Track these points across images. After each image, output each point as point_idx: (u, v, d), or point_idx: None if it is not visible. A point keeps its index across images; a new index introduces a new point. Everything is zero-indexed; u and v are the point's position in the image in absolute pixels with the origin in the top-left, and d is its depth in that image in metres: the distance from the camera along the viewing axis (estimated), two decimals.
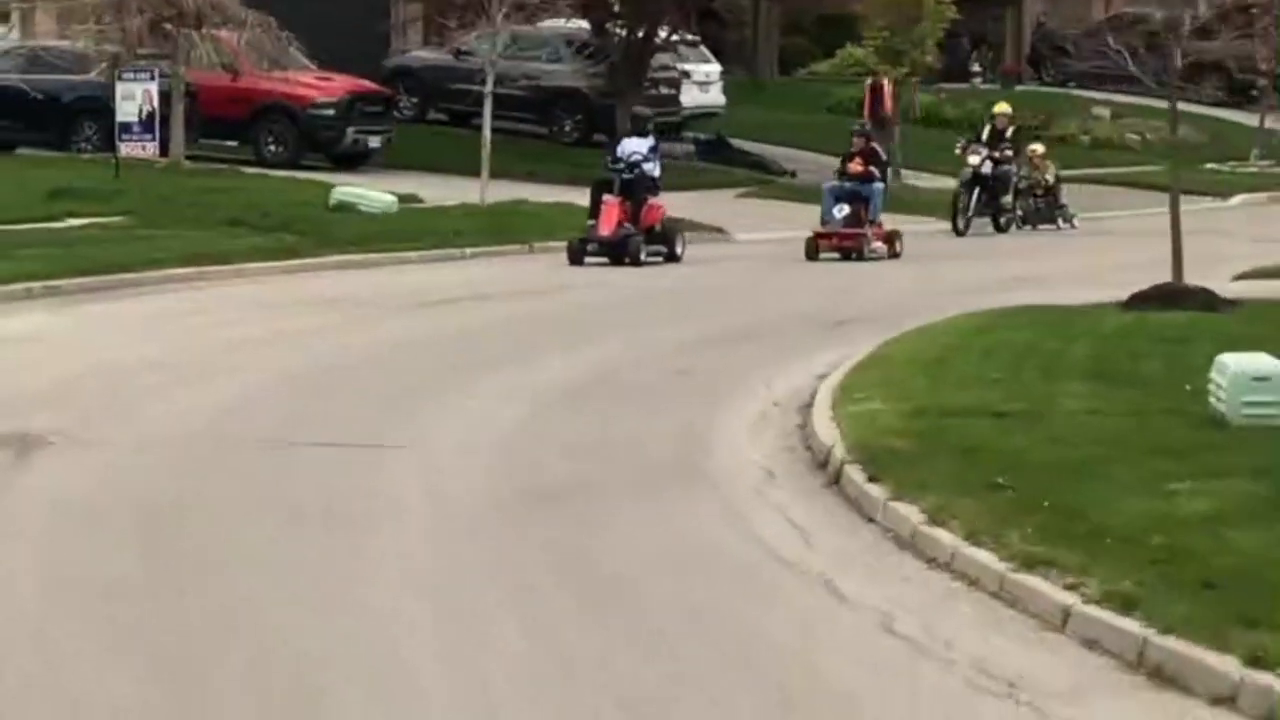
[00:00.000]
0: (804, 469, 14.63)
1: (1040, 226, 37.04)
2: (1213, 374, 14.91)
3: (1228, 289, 23.82)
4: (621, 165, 29.84)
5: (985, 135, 36.20)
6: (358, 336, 21.55)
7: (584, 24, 43.51)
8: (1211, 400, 14.86)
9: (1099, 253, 32.04)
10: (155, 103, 35.82)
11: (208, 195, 33.55)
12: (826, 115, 49.81)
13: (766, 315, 23.56)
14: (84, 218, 31.29)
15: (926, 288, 25.50)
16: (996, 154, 35.48)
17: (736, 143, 45.18)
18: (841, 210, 30.98)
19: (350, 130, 40.69)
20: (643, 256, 29.14)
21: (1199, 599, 10.17)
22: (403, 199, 34.69)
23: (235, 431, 15.54)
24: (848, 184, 31.51)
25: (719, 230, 34.70)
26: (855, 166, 31.60)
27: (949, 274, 28.51)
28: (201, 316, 23.14)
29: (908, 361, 18.13)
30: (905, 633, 10.46)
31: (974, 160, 35.04)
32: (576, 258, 29.12)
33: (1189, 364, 16.71)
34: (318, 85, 40.95)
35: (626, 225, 29.23)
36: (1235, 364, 14.66)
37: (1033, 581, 10.92)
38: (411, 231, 31.71)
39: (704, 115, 46.73)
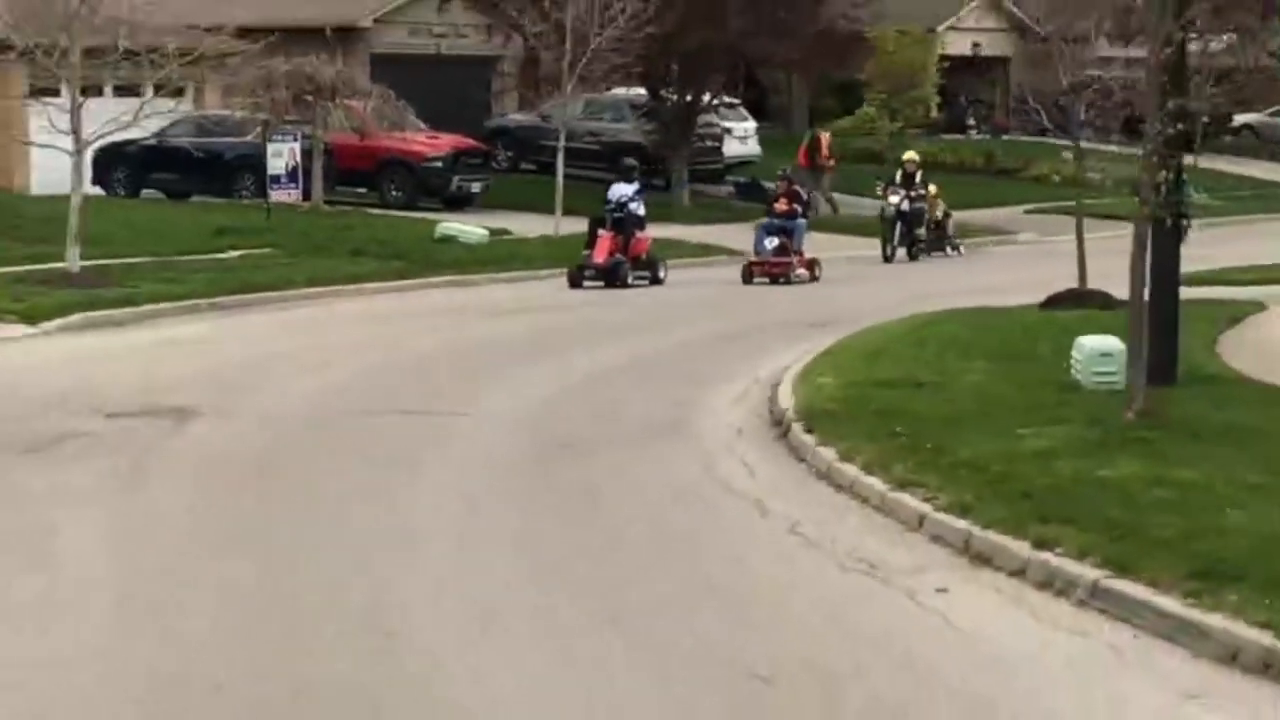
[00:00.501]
0: (765, 428, 15.98)
1: (934, 254, 36.65)
2: (1073, 352, 16.37)
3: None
4: (612, 205, 30.02)
5: (899, 178, 35.91)
6: (443, 337, 23.05)
7: (643, 91, 44.95)
8: (1072, 372, 16.32)
9: (1015, 270, 32.39)
10: (298, 158, 37.33)
11: (339, 231, 35.11)
12: (845, 163, 51.02)
13: (756, 321, 24.67)
14: (241, 250, 32.74)
15: (878, 300, 26.19)
16: (911, 194, 35.48)
17: (768, 184, 46.47)
18: (772, 242, 31.12)
19: (456, 179, 42.21)
20: (630, 280, 29.48)
21: (1014, 505, 11.66)
22: (494, 232, 36.23)
23: (336, 405, 17.14)
24: (776, 221, 31.56)
25: (741, 254, 36.11)
26: (781, 206, 31.82)
27: (890, 289, 29.37)
28: (325, 324, 24.72)
29: (857, 350, 19.49)
30: (805, 533, 11.99)
31: (894, 199, 35.22)
32: (575, 282, 29.44)
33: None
34: (429, 143, 42.54)
35: (617, 255, 29.54)
36: (1089, 343, 16.12)
37: (903, 498, 12.43)
38: (499, 258, 33.21)
39: (742, 163, 48.14)
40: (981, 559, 11.11)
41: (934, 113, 56.35)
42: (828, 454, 13.99)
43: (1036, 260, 36.26)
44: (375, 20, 48.66)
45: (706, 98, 44.12)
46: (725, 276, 31.67)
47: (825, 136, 44.43)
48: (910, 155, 37.64)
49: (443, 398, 17.59)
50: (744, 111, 49.08)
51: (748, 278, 30.55)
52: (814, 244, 33.11)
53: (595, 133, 45.73)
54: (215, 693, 8.41)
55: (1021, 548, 10.88)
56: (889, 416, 15.04)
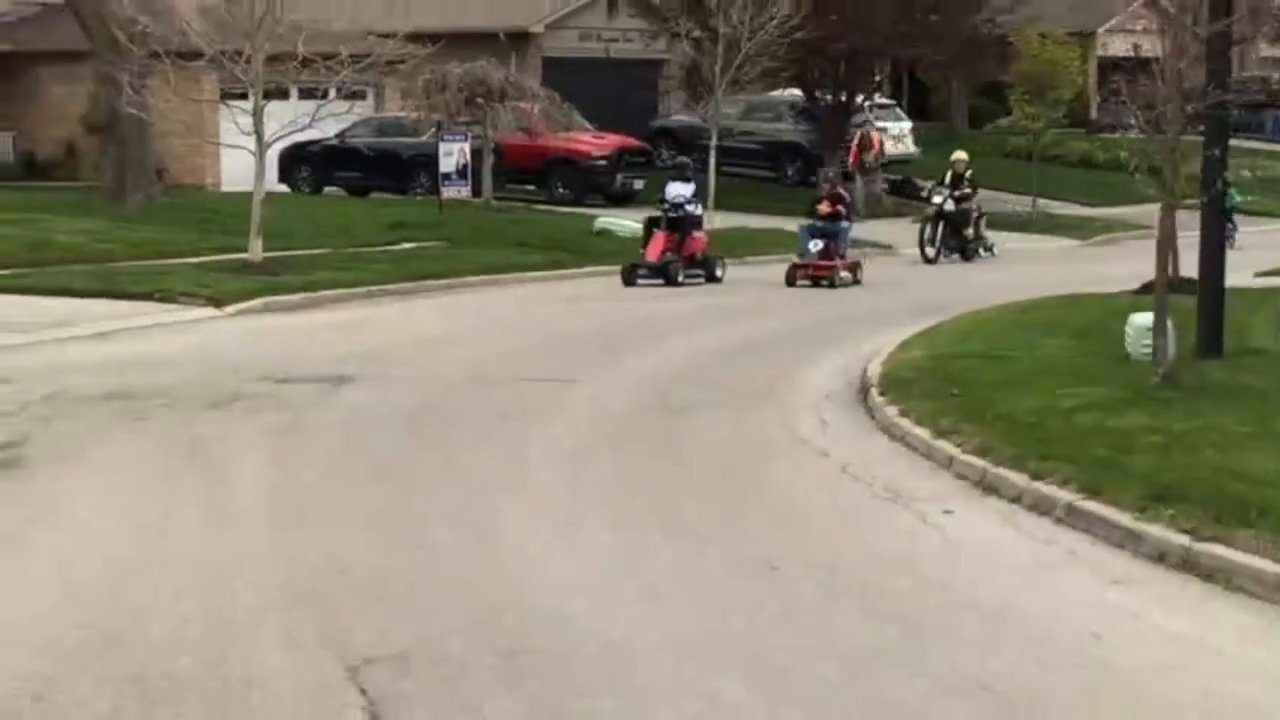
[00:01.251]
0: (852, 394, 18.26)
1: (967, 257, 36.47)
2: (1126, 327, 18.43)
3: (1250, 283, 26.92)
4: (668, 205, 30.74)
5: (948, 179, 36.06)
6: (587, 321, 25.46)
7: (798, 92, 47.19)
8: (1126, 345, 18.38)
9: (1129, 262, 33.81)
10: (468, 157, 40.02)
11: (505, 225, 37.71)
12: (1003, 159, 52.90)
13: (869, 310, 26.80)
14: (414, 242, 35.50)
15: (968, 291, 27.77)
16: (956, 194, 35.62)
17: (921, 182, 48.56)
18: (816, 245, 30.83)
19: (619, 176, 44.83)
20: (680, 279, 29.97)
21: (1028, 448, 13.82)
22: None
23: (478, 374, 19.60)
24: (819, 223, 31.25)
25: (888, 247, 38.32)
26: (824, 208, 31.53)
27: (974, 279, 31.20)
28: (484, 309, 27.22)
29: (951, 329, 21.66)
30: (852, 471, 14.23)
31: (937, 200, 35.42)
32: (629, 279, 30.01)
33: None
34: (594, 142, 45.17)
35: (669, 254, 30.27)
36: (1138, 320, 18.16)
37: (941, 444, 14.63)
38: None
39: (898, 161, 50.20)
40: (990, 489, 13.31)
41: (1093, 113, 58.06)
42: (891, 411, 16.21)
43: (1144, 253, 37.86)
44: (547, 26, 51.41)
45: (860, 99, 46.20)
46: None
47: (877, 137, 45.04)
48: (959, 155, 37.48)
49: (571, 369, 19.97)
50: (899, 111, 51.20)
51: (790, 280, 30.50)
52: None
53: (754, 133, 48.07)
54: (340, 573, 10.82)
55: (1021, 479, 13.07)
56: (953, 381, 17.22)
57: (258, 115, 30.21)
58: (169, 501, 12.95)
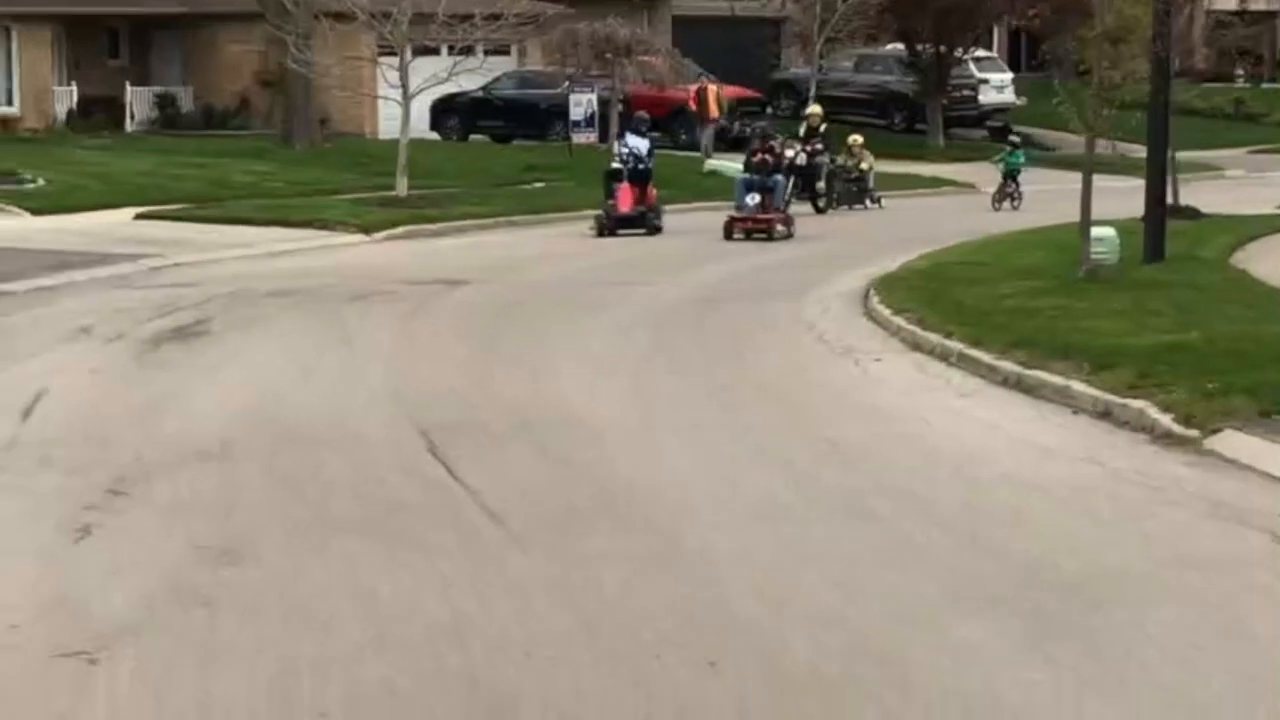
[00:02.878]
0: (858, 294, 22.94)
1: (854, 206, 37.48)
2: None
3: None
4: (629, 157, 31.84)
5: (802, 132, 36.73)
6: (674, 245, 30.41)
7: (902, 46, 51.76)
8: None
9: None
10: (595, 107, 45.04)
11: None
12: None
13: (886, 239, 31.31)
14: (544, 182, 40.65)
15: (926, 230, 31.11)
16: (809, 148, 35.87)
17: (1020, 128, 52.87)
18: (754, 199, 31.17)
19: (737, 124, 49.64)
20: (659, 225, 31.64)
21: (953, 318, 18.52)
22: None
23: (567, 280, 24.66)
24: (755, 177, 31.46)
25: (971, 186, 42.85)
26: (757, 160, 31.89)
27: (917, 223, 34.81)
28: (588, 234, 32.21)
29: (945, 253, 26.15)
30: (827, 339, 18.97)
31: (789, 154, 34.73)
32: (604, 231, 31.30)
33: None
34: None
35: (640, 205, 31.57)
36: (1095, 232, 22.68)
37: (897, 319, 19.36)
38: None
39: (999, 110, 54.55)
40: (916, 347, 18.07)
41: (1200, 63, 61.90)
42: (874, 300, 20.96)
43: (1202, 190, 41.89)
44: None
45: (958, 51, 50.63)
46: (935, 204, 38.54)
47: (713, 88, 45.89)
48: (814, 109, 38.21)
49: (644, 278, 24.90)
50: (1001, 63, 55.50)
51: (728, 233, 30.85)
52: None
53: (865, 84, 52.68)
54: (425, 388, 15.81)
55: (937, 338, 17.82)
56: (936, 282, 21.93)
57: (403, 71, 35.36)
58: (314, 352, 18.09)
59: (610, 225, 31.39)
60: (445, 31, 37.01)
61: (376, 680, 7.98)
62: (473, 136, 50.28)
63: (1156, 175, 23.33)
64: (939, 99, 50.42)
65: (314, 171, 40.16)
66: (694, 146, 48.16)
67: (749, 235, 30.69)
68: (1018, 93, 55.56)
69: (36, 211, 33.13)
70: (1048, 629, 8.72)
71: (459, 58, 38.26)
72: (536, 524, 10.84)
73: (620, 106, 47.16)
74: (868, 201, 38.25)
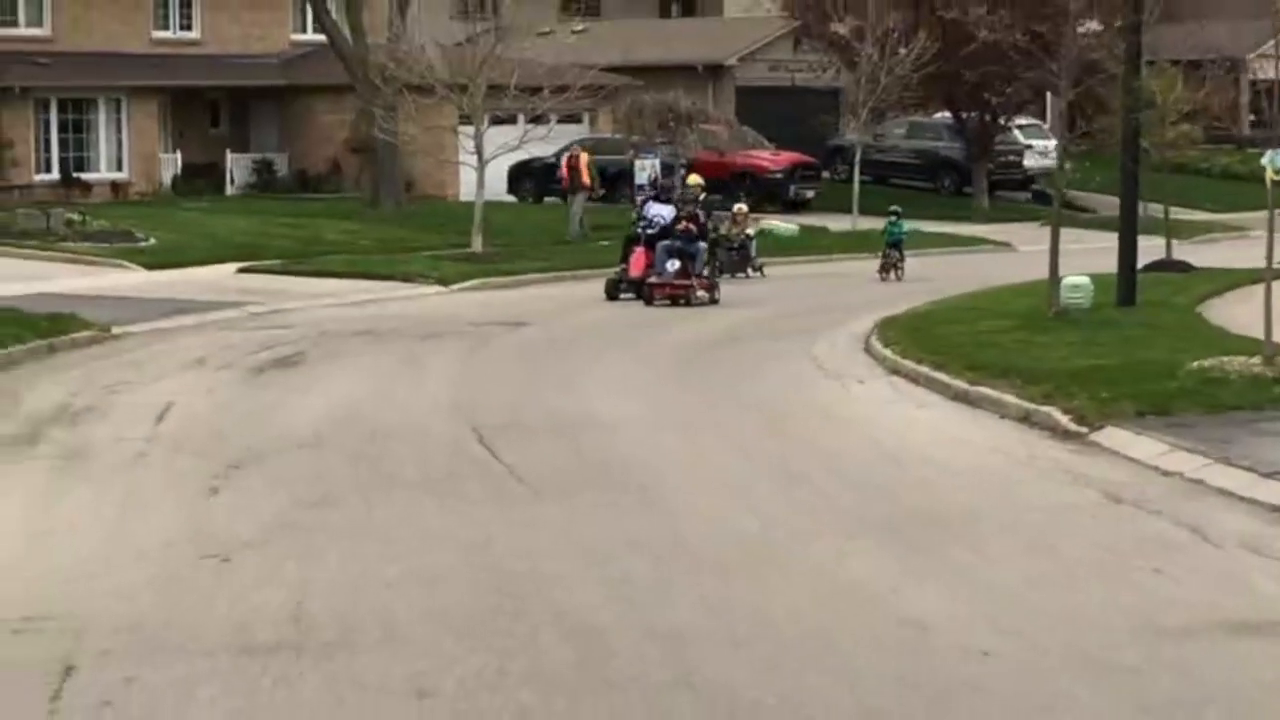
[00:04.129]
0: (862, 337, 26.34)
1: (736, 275, 36.85)
2: (1062, 285, 26.41)
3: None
4: (646, 225, 32.48)
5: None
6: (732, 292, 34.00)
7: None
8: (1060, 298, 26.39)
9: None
10: (658, 171, 48.71)
11: None
12: (1150, 171, 60.14)
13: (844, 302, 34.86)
14: (609, 240, 44.14)
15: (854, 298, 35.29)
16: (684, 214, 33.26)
17: (1068, 193, 56.21)
18: (673, 265, 31.56)
19: (793, 186, 53.29)
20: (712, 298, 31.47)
21: (929, 349, 21.98)
22: (808, 229, 47.11)
23: (608, 324, 28.28)
24: (676, 243, 31.79)
25: (1007, 244, 46.28)
26: (682, 227, 31.95)
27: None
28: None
29: (949, 303, 29.53)
30: (823, 368, 22.47)
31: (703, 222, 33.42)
32: (612, 294, 32.04)
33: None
34: (772, 159, 53.72)
35: (650, 270, 31.81)
36: (1069, 280, 26.09)
37: (885, 351, 22.83)
38: (798, 246, 44.12)
39: (1044, 174, 57.93)
40: (895, 372, 21.58)
41: (1246, 129, 65.28)
42: (873, 339, 24.43)
43: (1226, 249, 45.24)
44: (739, 59, 59.97)
45: (1002, 120, 54.12)
46: (961, 260, 41.99)
47: (584, 157, 45.89)
48: (693, 180, 37.65)
49: (676, 323, 28.47)
50: (1045, 129, 58.87)
51: (649, 299, 31.15)
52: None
53: (916, 149, 56.23)
54: (481, 401, 19.42)
55: (911, 365, 21.32)
56: (925, 319, 25.42)
57: (479, 139, 39.17)
58: (391, 375, 21.80)
59: (613, 290, 32.17)
60: (517, 102, 40.79)
61: (425, 569, 11.56)
62: (546, 199, 54.00)
63: (1128, 230, 26.77)
64: (984, 164, 53.92)
65: (399, 231, 43.92)
66: (755, 208, 51.57)
67: (673, 301, 31.02)
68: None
69: (150, 266, 37.03)
70: (907, 545, 12.23)
71: (530, 126, 42.00)
72: (551, 485, 14.44)
73: (682, 171, 50.91)
74: (749, 270, 37.95)
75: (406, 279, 35.64)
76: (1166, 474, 14.66)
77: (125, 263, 37.49)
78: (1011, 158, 56.25)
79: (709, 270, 32.89)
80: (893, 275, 37.39)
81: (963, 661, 9.44)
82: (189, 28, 55.40)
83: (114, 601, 10.81)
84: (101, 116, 52.49)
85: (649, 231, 32.25)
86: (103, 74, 51.89)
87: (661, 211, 32.71)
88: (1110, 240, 49.20)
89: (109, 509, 13.85)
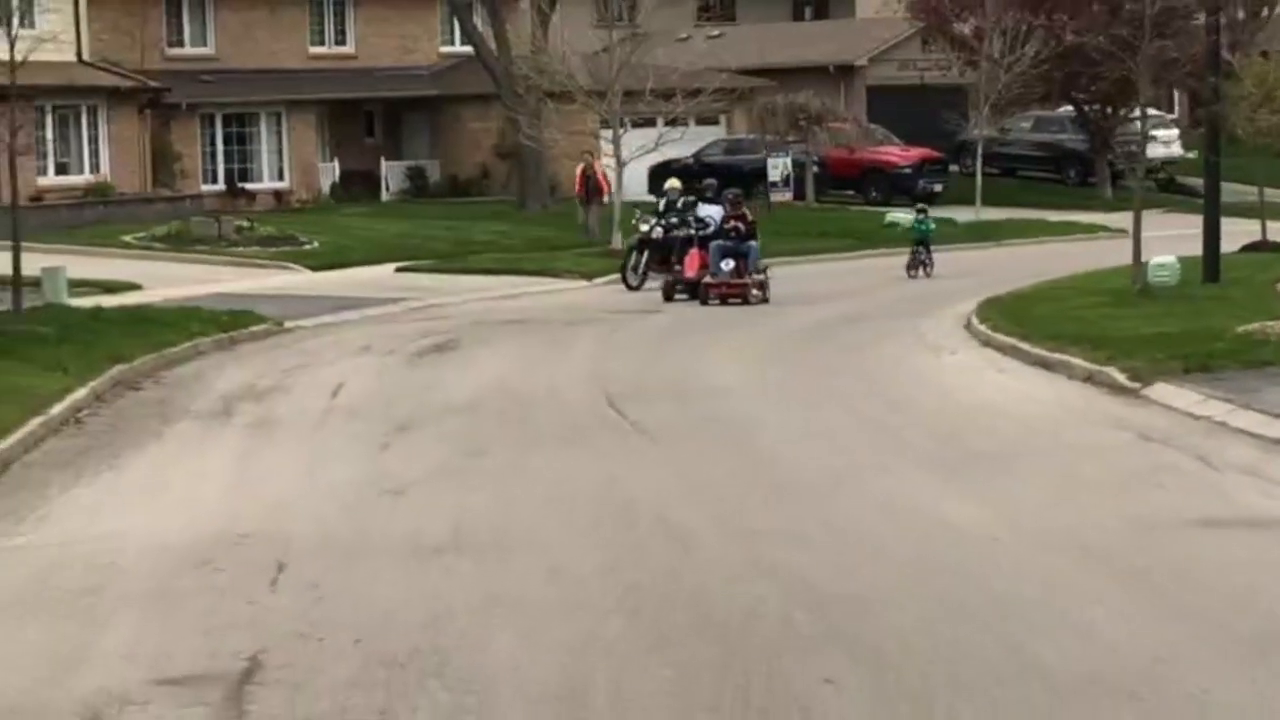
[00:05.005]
0: (961, 322, 28.70)
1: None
2: (1150, 264, 28.72)
3: None
4: (703, 224, 33.18)
5: (662, 207, 35.85)
6: (839, 284, 36.51)
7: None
8: (1148, 275, 28.71)
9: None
10: (790, 169, 51.37)
11: (817, 221, 48.98)
12: (1276, 160, 61.94)
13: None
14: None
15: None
16: (664, 223, 34.89)
17: (1187, 180, 58.22)
18: (728, 264, 31.90)
19: (921, 181, 55.62)
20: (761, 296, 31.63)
21: (1019, 324, 24.44)
22: (936, 221, 49.41)
23: (733, 309, 30.89)
24: (729, 243, 32.12)
25: (1124, 231, 48.33)
26: (730, 227, 32.36)
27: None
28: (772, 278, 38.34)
29: (1026, 293, 31.76)
30: (926, 343, 25.02)
31: (644, 228, 35.16)
32: (669, 295, 32.33)
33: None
34: (901, 154, 56.13)
35: (705, 270, 32.24)
36: (1156, 259, 28.40)
37: (982, 328, 25.31)
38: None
39: (1167, 163, 59.90)
40: (988, 344, 24.08)
41: None
42: (973, 318, 26.89)
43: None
44: (870, 59, 62.40)
45: (1123, 111, 56.17)
46: (1081, 247, 44.26)
47: (598, 164, 45.81)
48: (672, 183, 37.27)
49: (803, 304, 31.07)
50: (1167, 119, 60.82)
51: (704, 299, 31.55)
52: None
53: (1041, 142, 58.43)
54: (613, 372, 22.12)
55: (1002, 337, 23.81)
56: (1022, 299, 27.85)
57: (616, 143, 41.96)
58: (535, 357, 24.60)
59: (670, 290, 32.50)
60: (652, 107, 43.53)
61: (560, 497, 14.30)
62: None
63: (1212, 214, 29.07)
64: (1106, 154, 56.01)
65: (545, 230, 46.79)
66: (884, 202, 54.06)
67: (724, 300, 31.45)
68: (1188, 147, 60.75)
69: (315, 268, 40.14)
70: (958, 474, 14.82)
71: (666, 129, 44.77)
72: (666, 434, 17.17)
73: (815, 169, 53.52)
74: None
75: (552, 274, 38.45)
76: (1196, 418, 17.12)
77: (292, 265, 40.60)
78: (1133, 148, 58.11)
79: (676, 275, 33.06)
80: (921, 273, 37.36)
81: (977, 548, 12.03)
82: (344, 43, 58.63)
83: (311, 523, 13.62)
84: (263, 129, 55.77)
85: (702, 232, 32.74)
86: (263, 89, 55.19)
87: (711, 212, 33.25)
88: (1229, 224, 51.44)
89: (299, 460, 16.71)
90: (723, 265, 31.91)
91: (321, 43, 58.19)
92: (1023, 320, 25.01)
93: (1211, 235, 29.17)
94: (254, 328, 28.74)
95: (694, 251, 32.75)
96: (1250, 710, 8.55)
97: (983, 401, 19.24)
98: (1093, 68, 49.53)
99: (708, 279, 31.84)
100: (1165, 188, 57.66)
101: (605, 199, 44.28)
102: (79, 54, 48.96)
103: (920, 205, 39.52)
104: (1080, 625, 10.02)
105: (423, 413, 19.42)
